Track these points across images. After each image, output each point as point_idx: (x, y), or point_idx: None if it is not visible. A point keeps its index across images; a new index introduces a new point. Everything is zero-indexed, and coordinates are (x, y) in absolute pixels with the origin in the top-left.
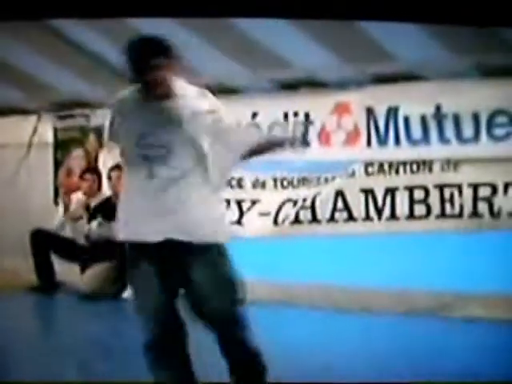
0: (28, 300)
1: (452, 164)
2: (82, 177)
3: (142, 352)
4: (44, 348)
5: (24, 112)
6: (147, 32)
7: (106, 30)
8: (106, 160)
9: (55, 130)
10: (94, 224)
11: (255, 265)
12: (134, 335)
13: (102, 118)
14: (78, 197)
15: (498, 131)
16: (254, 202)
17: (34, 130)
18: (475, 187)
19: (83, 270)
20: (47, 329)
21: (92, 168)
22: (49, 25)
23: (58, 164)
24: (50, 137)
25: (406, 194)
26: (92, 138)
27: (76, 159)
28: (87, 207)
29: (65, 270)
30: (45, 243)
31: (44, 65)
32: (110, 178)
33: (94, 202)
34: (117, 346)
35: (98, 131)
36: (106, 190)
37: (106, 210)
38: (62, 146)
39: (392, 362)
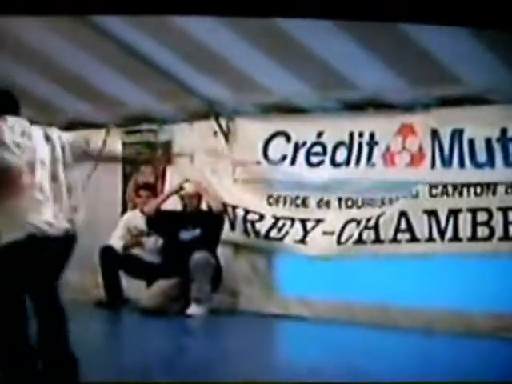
0: (94, 314)
1: None
2: (137, 193)
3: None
4: (107, 362)
5: (93, 125)
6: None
7: (177, 47)
8: (174, 175)
9: (123, 145)
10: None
11: (318, 283)
12: (196, 351)
13: (169, 133)
14: (127, 218)
15: None
16: (318, 221)
17: (103, 144)
18: None
19: (148, 286)
20: (111, 343)
21: (147, 184)
22: (121, 40)
23: (126, 179)
24: (118, 151)
25: (469, 215)
26: (160, 153)
27: (144, 174)
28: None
29: (131, 286)
30: (113, 260)
31: (114, 79)
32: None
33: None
34: (179, 361)
35: (166, 147)
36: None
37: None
38: (130, 161)
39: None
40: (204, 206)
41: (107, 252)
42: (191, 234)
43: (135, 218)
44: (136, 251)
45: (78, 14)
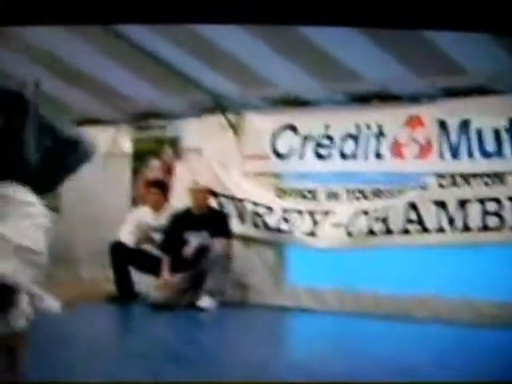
0: (106, 310)
1: None
2: (147, 190)
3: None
4: (119, 357)
5: (102, 122)
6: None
7: (183, 42)
8: (183, 171)
9: (132, 141)
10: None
11: (328, 275)
12: (206, 344)
13: (177, 129)
14: (138, 214)
15: None
16: (327, 213)
17: (113, 141)
18: None
19: (158, 281)
20: (123, 338)
21: (157, 181)
22: (127, 36)
23: (135, 174)
24: (127, 147)
25: (479, 205)
26: (168, 148)
27: (153, 170)
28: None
29: (141, 280)
30: (124, 255)
31: (122, 76)
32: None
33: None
34: (189, 355)
35: (174, 142)
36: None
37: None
38: (139, 157)
39: (459, 367)
40: (213, 206)
41: (117, 247)
42: (198, 236)
43: (145, 215)
44: (146, 246)
45: (97, 23)
